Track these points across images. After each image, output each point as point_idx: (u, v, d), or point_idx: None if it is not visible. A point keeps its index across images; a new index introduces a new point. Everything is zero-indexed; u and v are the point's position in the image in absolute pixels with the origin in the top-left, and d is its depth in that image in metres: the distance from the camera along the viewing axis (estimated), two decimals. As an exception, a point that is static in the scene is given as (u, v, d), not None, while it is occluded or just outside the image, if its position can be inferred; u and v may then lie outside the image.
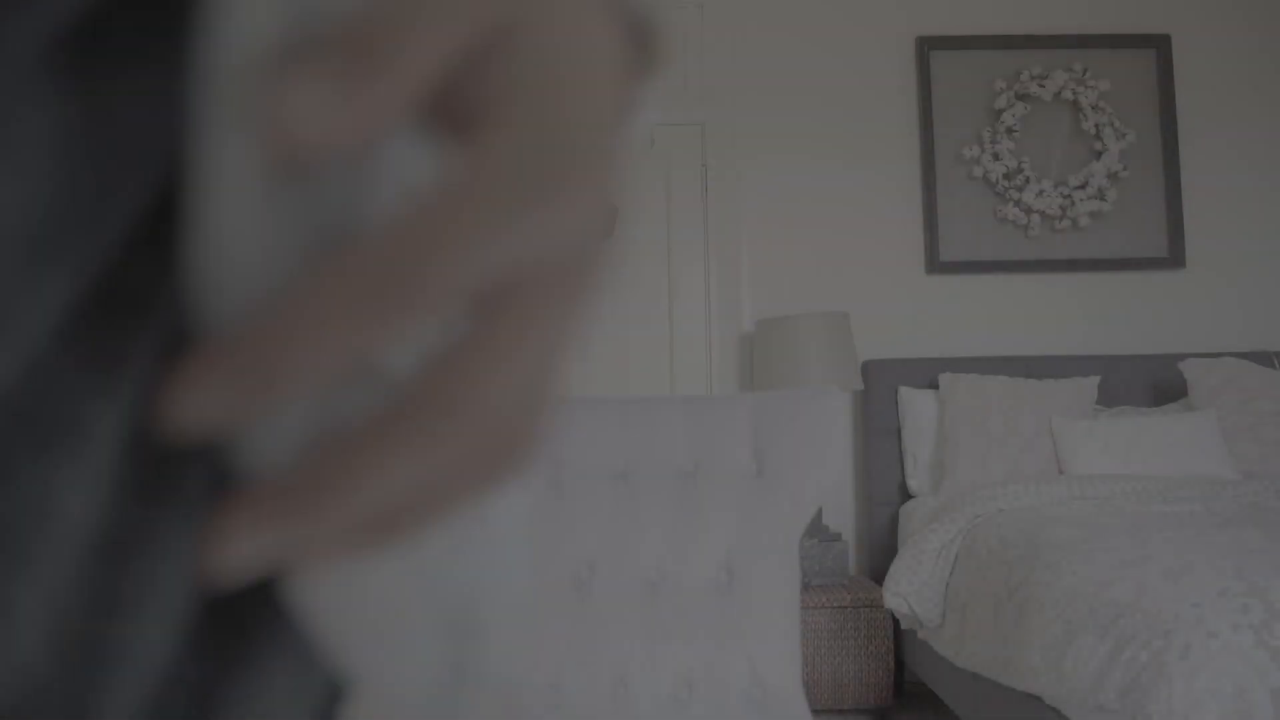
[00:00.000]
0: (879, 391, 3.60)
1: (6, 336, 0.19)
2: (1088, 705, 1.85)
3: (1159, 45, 3.82)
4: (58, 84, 0.19)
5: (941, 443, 3.40)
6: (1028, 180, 3.74)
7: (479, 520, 0.24)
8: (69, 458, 0.21)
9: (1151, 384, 3.61)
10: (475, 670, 0.25)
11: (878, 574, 3.52)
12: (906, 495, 3.55)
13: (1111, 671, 1.78)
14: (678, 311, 3.72)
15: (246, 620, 0.27)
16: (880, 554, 3.54)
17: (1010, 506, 2.74)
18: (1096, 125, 3.75)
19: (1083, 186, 3.74)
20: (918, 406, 3.51)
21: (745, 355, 3.72)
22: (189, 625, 0.25)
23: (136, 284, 0.22)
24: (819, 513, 3.47)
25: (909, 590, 2.75)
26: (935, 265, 3.74)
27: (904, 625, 2.99)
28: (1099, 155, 3.76)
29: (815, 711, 3.16)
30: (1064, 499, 2.75)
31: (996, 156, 3.74)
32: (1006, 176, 3.75)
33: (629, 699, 1.59)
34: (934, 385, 3.59)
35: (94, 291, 0.21)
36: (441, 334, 0.20)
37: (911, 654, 3.12)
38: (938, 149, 3.78)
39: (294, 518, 0.19)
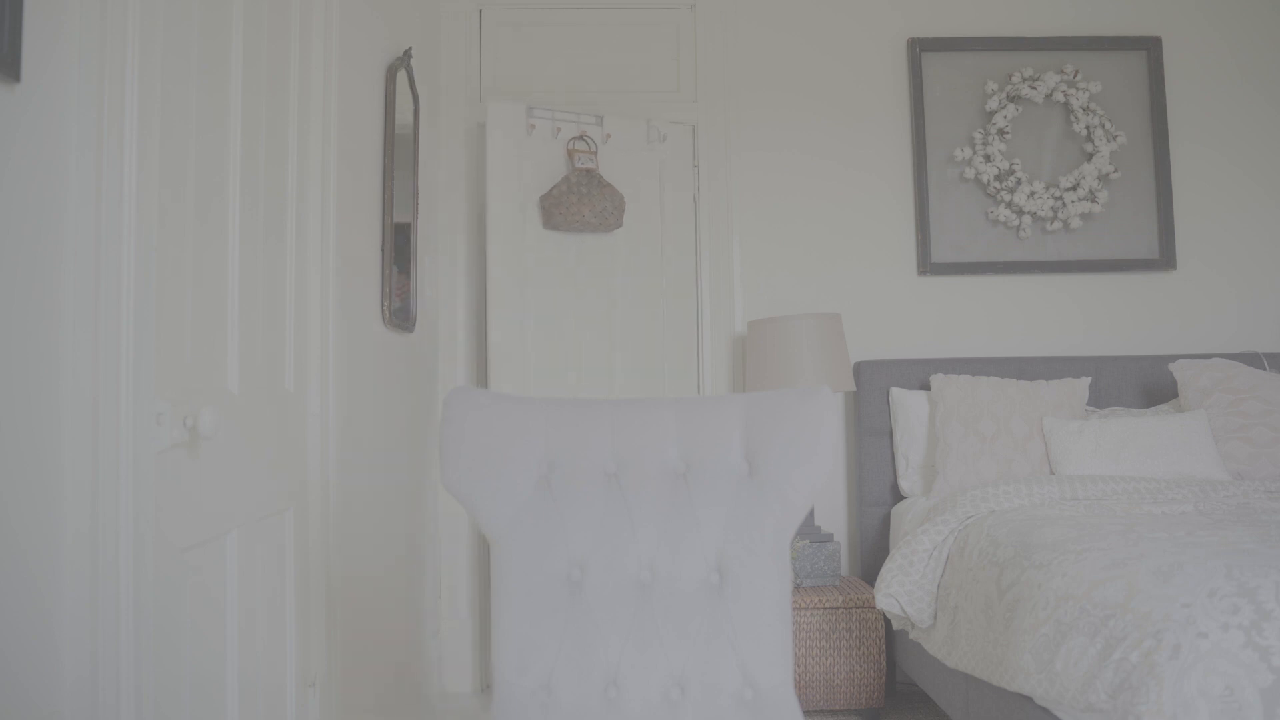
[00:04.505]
0: (871, 392, 3.61)
1: None
2: (1078, 705, 1.85)
3: (1149, 47, 3.83)
4: None
5: (933, 444, 3.40)
6: (1019, 182, 3.75)
7: None
8: None
9: (1142, 385, 3.62)
10: None
11: (869, 575, 3.53)
12: (898, 496, 3.56)
13: (1102, 671, 1.78)
14: (670, 312, 3.71)
15: None
16: (872, 555, 3.54)
17: (1001, 507, 2.74)
18: (1088, 127, 3.76)
19: (1074, 188, 3.75)
20: (909, 407, 3.51)
21: (737, 356, 3.72)
22: None
23: None
24: (810, 513, 3.47)
25: (900, 591, 2.76)
26: (927, 266, 3.75)
27: (895, 626, 2.99)
28: (1090, 157, 3.78)
29: (807, 712, 3.17)
30: (1055, 500, 2.76)
31: (988, 158, 3.75)
32: (998, 178, 3.76)
33: (620, 699, 1.59)
34: (925, 386, 3.59)
35: None
36: None
37: (903, 655, 3.12)
38: (929, 150, 3.79)
39: None
